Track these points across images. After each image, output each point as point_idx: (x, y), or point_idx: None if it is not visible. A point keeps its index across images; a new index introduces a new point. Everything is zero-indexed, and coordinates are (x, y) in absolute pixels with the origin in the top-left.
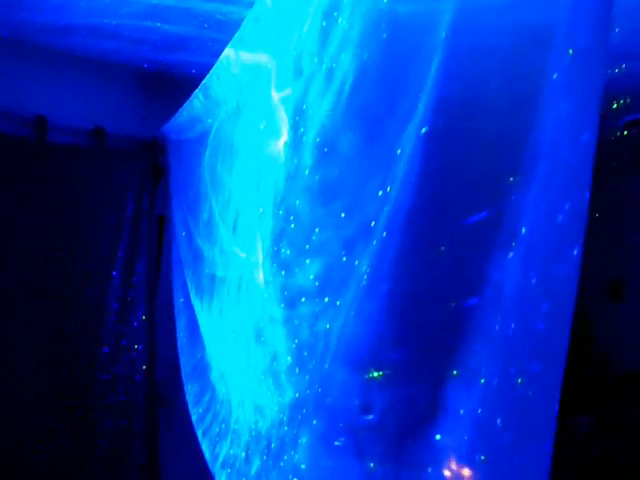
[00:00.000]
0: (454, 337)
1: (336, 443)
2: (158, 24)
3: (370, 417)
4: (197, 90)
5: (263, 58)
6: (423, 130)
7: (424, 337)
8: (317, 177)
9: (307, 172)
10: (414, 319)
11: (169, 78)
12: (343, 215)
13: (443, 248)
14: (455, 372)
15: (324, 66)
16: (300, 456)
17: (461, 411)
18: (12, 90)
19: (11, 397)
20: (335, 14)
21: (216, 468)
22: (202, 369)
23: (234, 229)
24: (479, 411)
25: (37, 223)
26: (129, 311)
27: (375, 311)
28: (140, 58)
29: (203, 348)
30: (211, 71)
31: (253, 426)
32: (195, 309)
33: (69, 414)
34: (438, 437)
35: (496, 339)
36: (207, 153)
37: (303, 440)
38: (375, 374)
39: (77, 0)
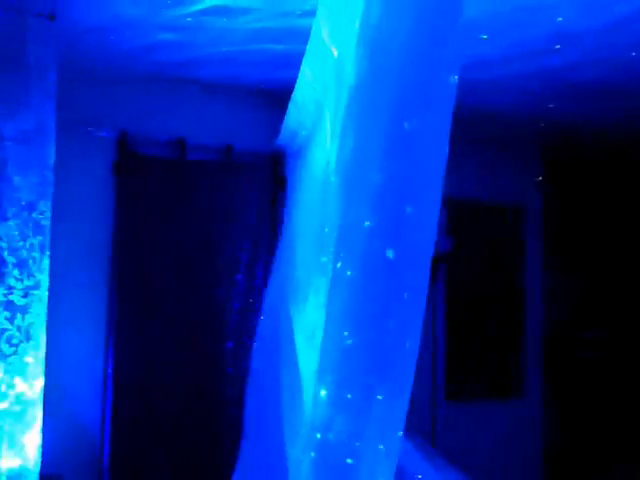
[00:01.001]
0: None
1: None
2: (266, 46)
3: None
4: (290, 103)
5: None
6: None
7: None
8: None
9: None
10: None
11: (287, 94)
12: None
13: None
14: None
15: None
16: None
17: None
18: (157, 118)
19: (158, 390)
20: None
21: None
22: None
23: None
24: None
25: (177, 234)
26: (250, 311)
27: None
28: (257, 79)
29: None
30: (296, 84)
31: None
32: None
33: (205, 404)
34: None
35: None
36: (300, 165)
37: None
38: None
39: (194, 37)
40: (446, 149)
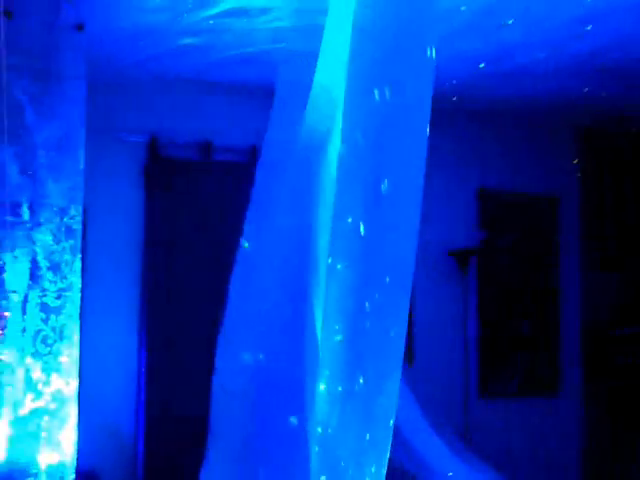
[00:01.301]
0: None
1: None
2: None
3: None
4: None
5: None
6: None
7: None
8: None
9: None
10: None
11: None
12: None
13: None
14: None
15: None
16: None
17: None
18: (184, 121)
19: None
20: None
21: None
22: None
23: None
24: None
25: (205, 234)
26: None
27: None
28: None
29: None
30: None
31: None
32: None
33: None
34: None
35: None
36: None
37: None
38: None
39: (217, 39)
40: (426, 129)
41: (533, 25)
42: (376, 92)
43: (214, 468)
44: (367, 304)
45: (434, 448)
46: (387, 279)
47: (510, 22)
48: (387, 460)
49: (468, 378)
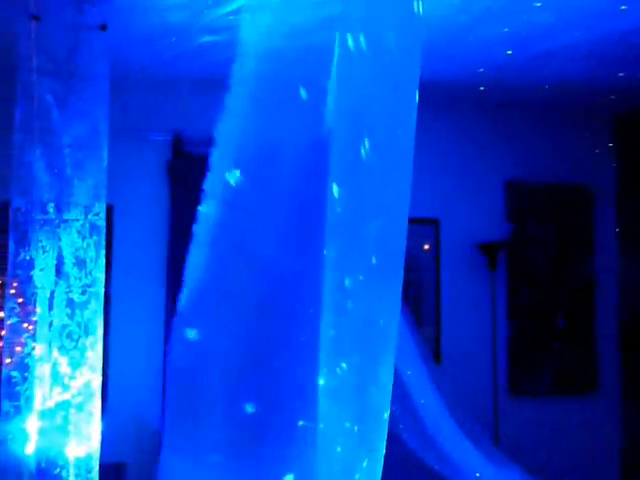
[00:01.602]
0: None
1: None
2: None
3: None
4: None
5: None
6: None
7: None
8: None
9: None
10: None
11: None
12: None
13: None
14: None
15: None
16: None
17: None
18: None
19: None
20: None
21: None
22: None
23: None
24: None
25: None
26: None
27: None
28: None
29: None
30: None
31: None
32: None
33: None
34: None
35: None
36: None
37: None
38: None
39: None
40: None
41: (563, 6)
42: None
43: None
44: (347, 283)
45: (461, 447)
46: (373, 260)
47: (539, 4)
48: (382, 455)
49: (498, 375)
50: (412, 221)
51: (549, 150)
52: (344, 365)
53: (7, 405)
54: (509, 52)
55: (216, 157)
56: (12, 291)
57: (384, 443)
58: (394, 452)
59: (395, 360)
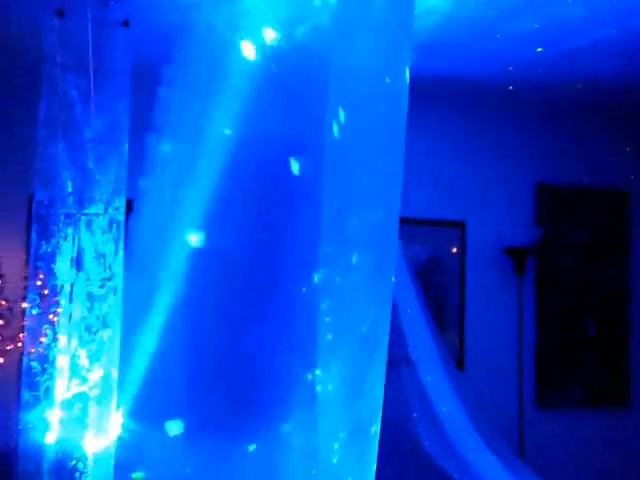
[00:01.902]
0: None
1: None
2: None
3: None
4: None
5: None
6: None
7: None
8: None
9: None
10: None
11: None
12: None
13: None
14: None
15: None
16: None
17: None
18: None
19: None
20: None
21: None
22: None
23: None
24: None
25: None
26: None
27: None
28: None
29: None
30: None
31: None
32: None
33: None
34: None
35: None
36: None
37: None
38: None
39: None
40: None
41: (594, 0)
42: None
43: None
44: (316, 280)
45: (483, 458)
46: (354, 259)
47: None
48: (373, 471)
49: (524, 385)
50: (437, 223)
51: (580, 150)
52: (318, 372)
53: (27, 395)
54: (539, 49)
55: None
56: (35, 282)
57: (374, 460)
58: (413, 458)
59: (415, 365)
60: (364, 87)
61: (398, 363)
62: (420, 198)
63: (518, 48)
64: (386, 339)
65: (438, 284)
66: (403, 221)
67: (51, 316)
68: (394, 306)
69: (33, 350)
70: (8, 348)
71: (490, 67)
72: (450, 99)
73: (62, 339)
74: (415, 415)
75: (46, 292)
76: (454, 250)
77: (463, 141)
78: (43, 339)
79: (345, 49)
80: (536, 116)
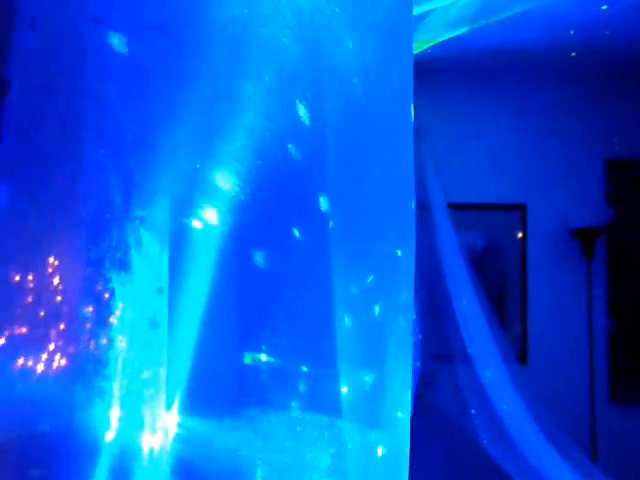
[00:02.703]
0: None
1: None
2: None
3: None
4: None
5: None
6: None
7: None
8: None
9: None
10: None
11: None
12: None
13: None
14: None
15: None
16: None
17: None
18: None
19: None
20: None
21: None
22: None
23: None
24: None
25: None
26: None
27: None
28: None
29: None
30: None
31: None
32: None
33: None
34: None
35: None
36: None
37: None
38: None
39: None
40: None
41: None
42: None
43: None
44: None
45: (547, 458)
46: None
47: None
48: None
49: (596, 380)
50: (495, 207)
51: None
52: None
53: (83, 395)
54: (604, 7)
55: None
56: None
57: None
58: (471, 456)
59: (472, 360)
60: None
61: (454, 358)
62: (476, 182)
63: (580, 8)
64: (403, 328)
65: (497, 272)
66: (458, 207)
67: (103, 318)
68: (448, 298)
69: (86, 350)
70: (66, 350)
71: (548, 33)
72: (505, 72)
73: (114, 340)
74: (473, 412)
75: (106, 295)
76: (519, 235)
77: (520, 116)
78: (96, 340)
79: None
80: (604, 85)
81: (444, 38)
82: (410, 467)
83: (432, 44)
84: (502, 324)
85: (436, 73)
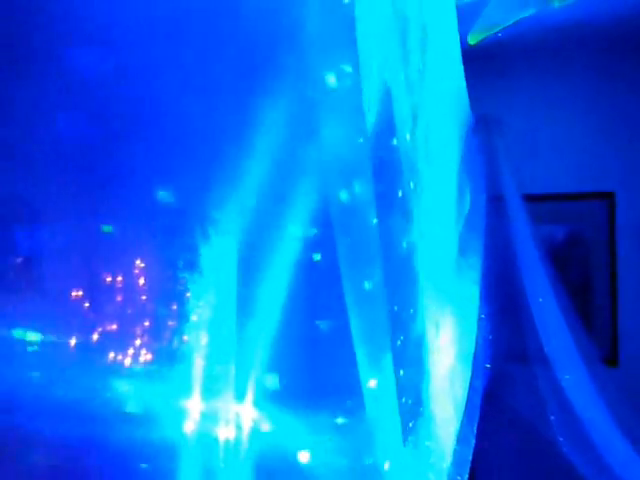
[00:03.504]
0: None
1: None
2: None
3: None
4: None
5: None
6: None
7: None
8: None
9: None
10: None
11: None
12: None
13: None
14: None
15: None
16: None
17: None
18: None
19: None
20: None
21: None
22: None
23: None
24: None
25: None
26: None
27: None
28: None
29: None
30: None
31: None
32: None
33: None
34: None
35: None
36: None
37: None
38: None
39: None
40: None
41: None
42: None
43: None
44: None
45: (636, 471)
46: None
47: None
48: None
49: None
50: (579, 197)
51: None
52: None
53: (163, 387)
54: None
55: None
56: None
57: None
58: (550, 465)
59: (551, 362)
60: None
61: (530, 359)
62: (557, 170)
63: None
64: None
65: (581, 267)
66: (536, 198)
67: (181, 316)
68: (523, 295)
69: (168, 346)
70: (150, 345)
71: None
72: (583, 49)
73: (193, 336)
74: (552, 418)
75: (183, 293)
76: (606, 226)
77: (605, 95)
78: (179, 337)
79: None
80: None
81: (516, 19)
82: (483, 471)
83: (501, 28)
84: (587, 323)
85: (502, 59)
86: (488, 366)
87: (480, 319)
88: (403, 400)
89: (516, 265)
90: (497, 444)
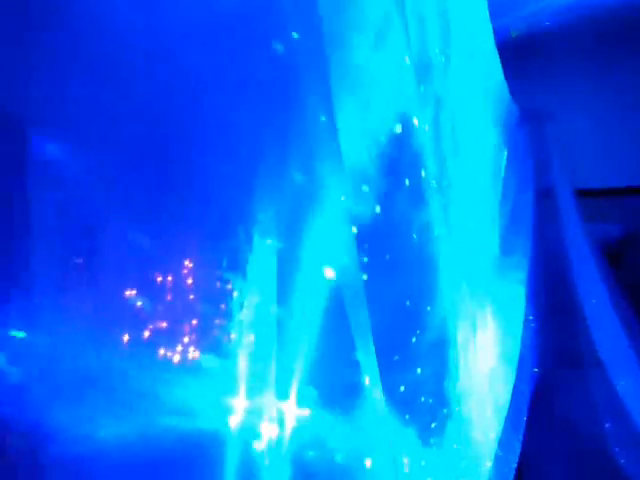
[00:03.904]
0: None
1: None
2: None
3: None
4: None
5: None
6: None
7: None
8: None
9: None
10: None
11: None
12: None
13: None
14: None
15: None
16: None
17: None
18: None
19: None
20: None
21: None
22: None
23: None
24: None
25: None
26: None
27: None
28: None
29: None
30: None
31: None
32: None
33: None
34: None
35: None
36: None
37: None
38: None
39: None
40: None
41: None
42: None
43: None
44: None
45: None
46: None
47: None
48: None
49: None
50: (624, 192)
51: None
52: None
53: (208, 384)
54: None
55: None
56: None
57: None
58: (607, 478)
59: (605, 367)
60: None
61: (584, 364)
62: (611, 164)
63: None
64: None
65: (638, 266)
66: (588, 193)
67: (226, 315)
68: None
69: (214, 344)
70: (198, 343)
71: None
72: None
73: (238, 334)
74: (608, 426)
75: (230, 293)
76: None
77: None
78: (224, 335)
79: None
80: None
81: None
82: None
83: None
84: None
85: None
86: (536, 370)
87: (527, 321)
88: (422, 399)
89: (567, 265)
90: (546, 453)
